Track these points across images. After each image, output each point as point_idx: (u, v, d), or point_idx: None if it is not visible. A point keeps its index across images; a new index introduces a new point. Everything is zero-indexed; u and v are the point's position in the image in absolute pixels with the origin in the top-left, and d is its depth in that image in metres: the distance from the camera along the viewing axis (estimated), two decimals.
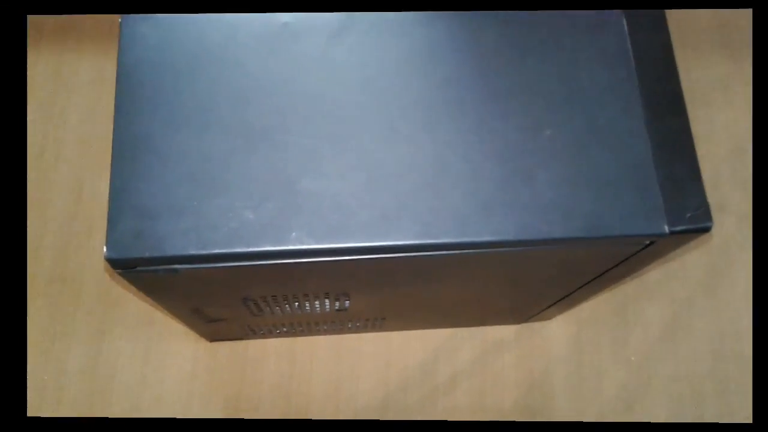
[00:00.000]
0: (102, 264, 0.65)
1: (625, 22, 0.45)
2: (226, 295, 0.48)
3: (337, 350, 0.64)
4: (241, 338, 0.64)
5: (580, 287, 0.53)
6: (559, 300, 0.57)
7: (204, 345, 0.64)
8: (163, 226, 0.38)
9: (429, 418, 0.62)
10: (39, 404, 0.61)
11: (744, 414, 0.64)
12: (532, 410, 0.63)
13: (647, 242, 0.41)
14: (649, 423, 0.61)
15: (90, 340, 0.63)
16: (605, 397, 0.64)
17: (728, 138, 0.73)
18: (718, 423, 0.63)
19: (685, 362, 0.66)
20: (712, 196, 0.67)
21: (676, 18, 0.64)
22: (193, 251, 0.38)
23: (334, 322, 0.59)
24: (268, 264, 0.40)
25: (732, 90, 0.74)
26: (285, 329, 0.61)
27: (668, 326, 0.67)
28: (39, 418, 0.60)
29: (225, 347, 0.64)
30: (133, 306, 0.65)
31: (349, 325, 0.61)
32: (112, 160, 0.38)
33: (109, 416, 0.61)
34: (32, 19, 0.74)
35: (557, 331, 0.66)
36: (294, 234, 0.39)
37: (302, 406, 0.62)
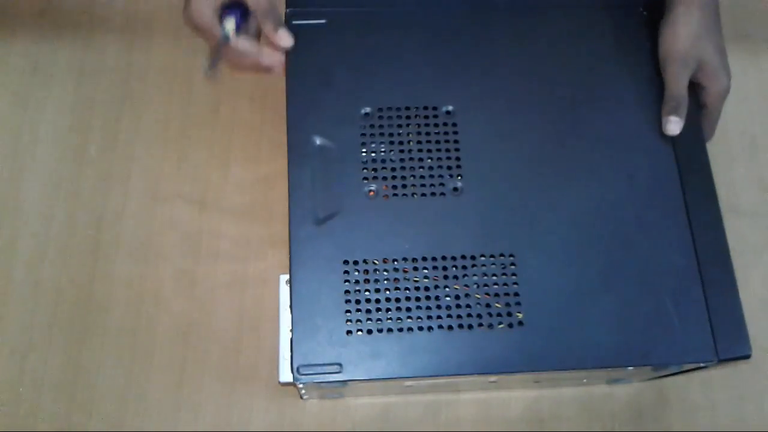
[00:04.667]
0: (81, 268, 0.62)
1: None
2: None
3: None
4: None
5: None
6: None
7: None
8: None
9: (431, 431, 0.60)
10: (13, 419, 0.58)
11: (759, 422, 0.62)
12: (541, 421, 0.61)
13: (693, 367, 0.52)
14: None
15: (69, 348, 0.60)
16: (616, 405, 0.62)
17: (741, 135, 0.71)
18: None
19: (698, 369, 0.63)
20: (725, 196, 0.66)
21: None
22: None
23: None
24: None
25: (746, 85, 0.72)
26: None
27: None
28: None
29: None
30: (116, 313, 0.61)
31: None
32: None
33: (91, 430, 0.58)
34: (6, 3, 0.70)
35: None
36: None
37: (296, 419, 0.59)
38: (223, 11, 0.53)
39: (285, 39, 0.53)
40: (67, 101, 0.68)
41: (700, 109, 0.57)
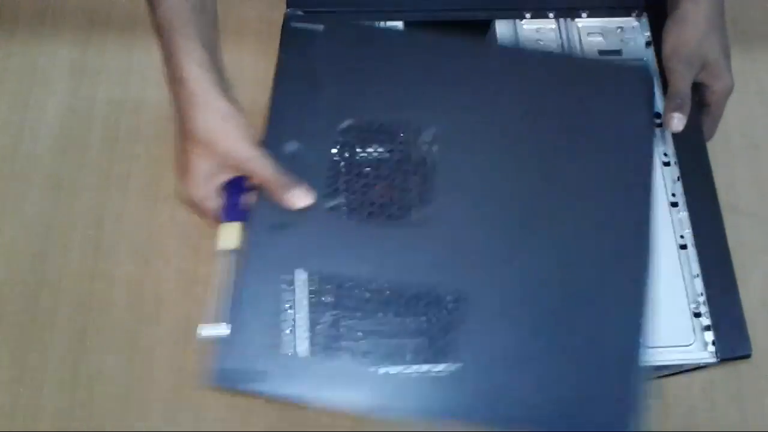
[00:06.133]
0: (81, 268, 0.62)
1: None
2: None
3: None
4: None
5: None
6: None
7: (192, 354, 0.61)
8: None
9: (431, 430, 0.60)
10: (12, 419, 0.58)
11: (759, 422, 0.62)
12: None
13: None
14: None
15: (69, 349, 0.60)
16: None
17: (742, 136, 0.71)
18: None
19: (698, 369, 0.64)
20: (725, 196, 0.66)
21: None
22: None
23: None
24: None
25: (745, 86, 0.72)
26: None
27: None
28: None
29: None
30: (115, 313, 0.61)
31: None
32: None
33: (92, 430, 0.58)
34: (5, 4, 0.70)
35: None
36: None
37: (297, 416, 0.60)
38: (228, 206, 0.50)
39: (306, 198, 0.47)
40: (67, 101, 0.68)
41: (700, 108, 0.57)
